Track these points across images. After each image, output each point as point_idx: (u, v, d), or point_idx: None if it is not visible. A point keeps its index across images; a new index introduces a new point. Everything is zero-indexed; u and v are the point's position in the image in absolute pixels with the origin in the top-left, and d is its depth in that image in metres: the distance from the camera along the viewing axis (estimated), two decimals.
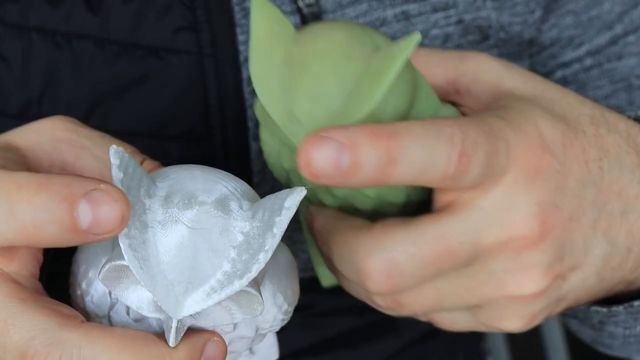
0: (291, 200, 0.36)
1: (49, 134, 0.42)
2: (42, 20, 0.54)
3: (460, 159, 0.38)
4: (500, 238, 0.40)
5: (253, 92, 0.55)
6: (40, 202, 0.33)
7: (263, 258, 0.35)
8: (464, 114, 0.45)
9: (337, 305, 0.60)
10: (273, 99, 0.38)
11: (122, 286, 0.37)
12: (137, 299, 0.37)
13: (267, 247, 0.36)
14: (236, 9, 0.55)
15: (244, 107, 0.55)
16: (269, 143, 0.44)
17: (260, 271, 0.36)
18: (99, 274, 0.36)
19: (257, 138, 0.56)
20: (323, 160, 0.36)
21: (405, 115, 0.40)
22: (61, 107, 0.55)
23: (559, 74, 0.64)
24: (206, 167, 0.39)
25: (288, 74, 0.38)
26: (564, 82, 0.64)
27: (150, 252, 0.35)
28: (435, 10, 0.58)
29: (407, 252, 0.39)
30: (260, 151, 0.56)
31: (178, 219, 0.36)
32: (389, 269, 0.40)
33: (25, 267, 0.38)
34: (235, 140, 0.55)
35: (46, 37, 0.54)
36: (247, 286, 0.36)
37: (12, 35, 0.54)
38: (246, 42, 0.55)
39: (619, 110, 0.64)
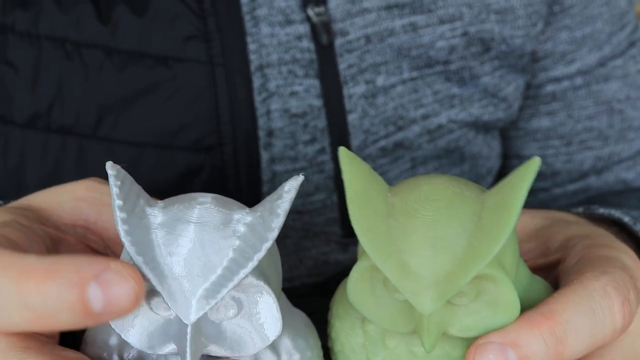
0: (290, 184, 0.36)
1: (69, 194, 0.41)
2: (53, 28, 0.53)
3: (623, 307, 0.38)
4: None
5: (264, 101, 0.55)
6: (50, 291, 0.32)
7: (271, 236, 0.35)
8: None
9: None
10: (383, 253, 0.35)
11: (128, 324, 0.36)
12: (146, 333, 0.36)
13: (273, 226, 0.35)
14: (247, 17, 0.55)
15: (254, 116, 0.55)
16: (349, 339, 0.39)
17: (273, 287, 0.35)
18: None
19: (267, 147, 0.56)
20: None
21: (515, 274, 0.38)
22: (70, 117, 0.54)
23: (549, 88, 0.66)
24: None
25: (396, 225, 0.35)
26: (552, 98, 0.66)
27: (156, 252, 0.35)
28: (442, 22, 0.58)
29: None
30: (270, 160, 0.56)
31: (179, 217, 0.35)
32: None
33: None
34: (246, 150, 0.55)
35: (56, 45, 0.53)
36: (259, 283, 0.35)
37: (22, 43, 0.53)
38: (257, 51, 0.55)
39: (600, 132, 0.67)
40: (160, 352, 0.36)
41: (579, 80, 0.65)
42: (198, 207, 0.36)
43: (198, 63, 0.54)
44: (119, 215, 0.35)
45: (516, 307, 0.36)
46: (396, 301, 0.37)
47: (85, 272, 0.32)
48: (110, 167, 0.35)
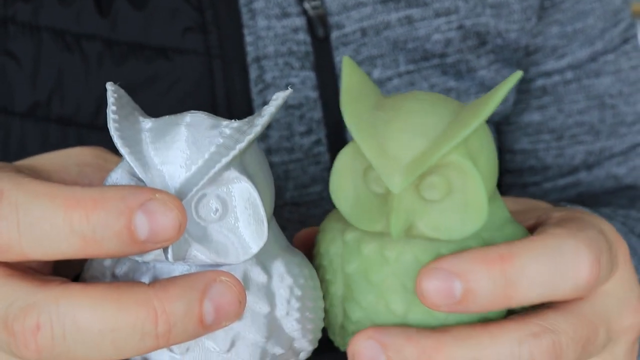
0: (278, 94, 0.37)
1: (75, 158, 0.41)
2: (53, 20, 0.53)
3: (592, 267, 0.37)
4: (626, 322, 0.40)
5: (260, 93, 0.56)
6: (99, 219, 0.33)
7: (254, 131, 0.36)
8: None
9: None
10: (365, 134, 0.37)
11: None
12: None
13: (257, 123, 0.36)
14: (243, 10, 0.55)
15: (251, 108, 0.55)
16: (328, 250, 0.41)
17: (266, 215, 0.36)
18: None
19: (263, 138, 0.56)
20: (436, 291, 0.36)
21: (492, 187, 0.38)
22: (69, 107, 0.54)
23: (539, 82, 0.66)
24: None
25: (381, 115, 0.38)
26: (543, 92, 0.66)
27: (143, 147, 0.36)
28: (437, 15, 0.59)
29: (568, 335, 0.38)
30: (266, 151, 0.56)
31: (170, 122, 0.37)
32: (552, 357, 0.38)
33: None
34: None
35: (56, 37, 0.54)
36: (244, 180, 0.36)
37: (23, 34, 0.53)
38: (253, 43, 0.55)
39: (591, 127, 0.67)
40: (148, 258, 0.36)
41: (569, 75, 0.66)
42: (190, 114, 0.37)
43: (196, 55, 0.55)
44: (112, 116, 0.35)
45: (484, 211, 0.37)
46: (373, 196, 0.38)
47: (131, 201, 0.33)
48: (110, 85, 0.37)
